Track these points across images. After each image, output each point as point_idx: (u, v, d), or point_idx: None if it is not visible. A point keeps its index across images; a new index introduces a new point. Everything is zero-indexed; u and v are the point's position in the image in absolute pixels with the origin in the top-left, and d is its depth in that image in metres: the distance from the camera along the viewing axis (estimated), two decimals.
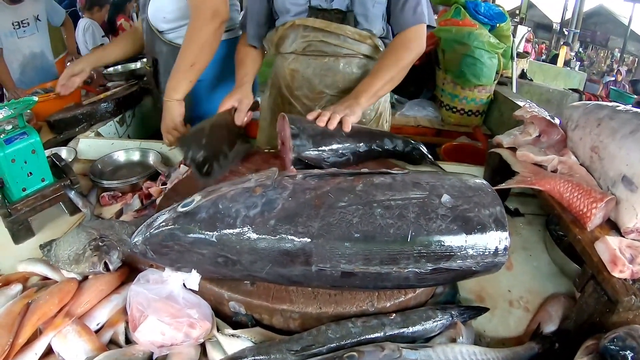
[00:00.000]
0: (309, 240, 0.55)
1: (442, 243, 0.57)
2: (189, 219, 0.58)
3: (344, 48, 1.25)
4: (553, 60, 7.27)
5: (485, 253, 0.60)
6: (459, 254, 0.58)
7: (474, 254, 0.59)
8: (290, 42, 1.29)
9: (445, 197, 0.59)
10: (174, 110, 1.24)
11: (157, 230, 0.60)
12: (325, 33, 1.22)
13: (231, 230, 0.56)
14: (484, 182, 0.69)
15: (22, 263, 0.82)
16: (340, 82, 1.29)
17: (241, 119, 1.14)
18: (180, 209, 0.59)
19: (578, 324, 0.74)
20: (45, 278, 0.79)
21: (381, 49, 1.28)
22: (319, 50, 1.26)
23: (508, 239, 0.62)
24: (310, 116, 0.99)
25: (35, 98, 0.91)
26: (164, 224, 0.60)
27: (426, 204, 0.58)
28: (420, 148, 1.14)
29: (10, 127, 0.90)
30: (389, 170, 0.63)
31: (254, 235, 0.55)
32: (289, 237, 0.55)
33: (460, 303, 0.80)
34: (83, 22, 3.42)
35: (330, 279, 0.57)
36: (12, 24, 2.51)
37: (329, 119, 0.98)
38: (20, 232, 0.92)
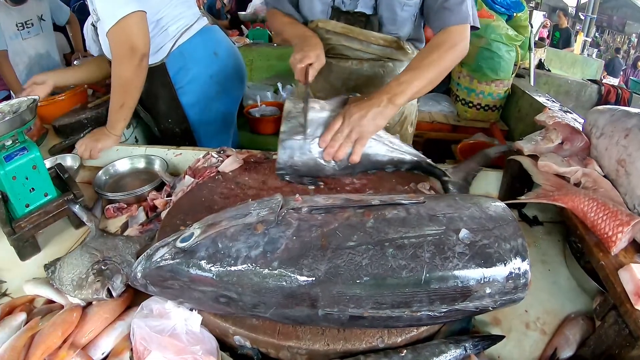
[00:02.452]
0: (315, 284, 0.51)
1: (459, 284, 0.53)
2: (187, 257, 0.55)
3: (368, 52, 1.19)
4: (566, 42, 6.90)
5: (504, 291, 0.57)
6: (475, 294, 0.55)
7: (492, 292, 0.56)
8: None
9: (464, 233, 0.55)
10: (109, 142, 1.28)
11: (156, 265, 0.58)
12: (348, 38, 1.16)
13: (232, 272, 0.53)
14: (505, 207, 0.64)
15: (28, 284, 0.81)
16: (363, 86, 1.24)
17: (313, 75, 1.04)
18: (179, 244, 0.56)
19: (596, 354, 0.71)
20: (51, 300, 0.78)
21: (409, 52, 1.22)
22: (342, 53, 1.21)
23: (529, 273, 0.58)
24: (322, 143, 0.88)
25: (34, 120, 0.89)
26: (163, 258, 0.57)
27: (442, 242, 0.54)
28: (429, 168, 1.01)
29: (10, 142, 0.88)
30: (403, 201, 0.59)
31: (255, 278, 0.52)
32: (293, 280, 0.52)
33: (476, 327, 0.77)
34: (91, 19, 3.35)
35: (337, 322, 0.54)
36: (17, 25, 2.47)
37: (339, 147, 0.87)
38: (25, 249, 0.92)
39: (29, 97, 0.92)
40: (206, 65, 1.42)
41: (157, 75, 1.35)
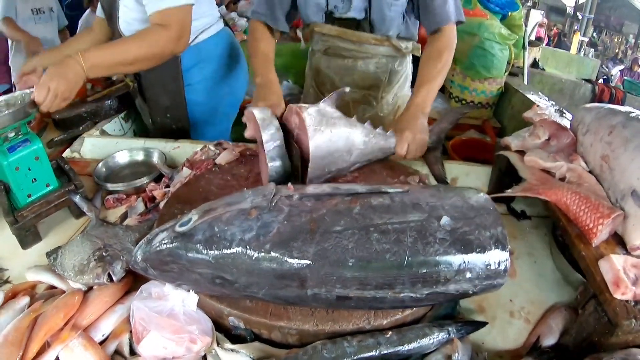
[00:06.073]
0: (304, 265, 0.55)
1: (439, 268, 0.57)
2: (186, 240, 0.58)
3: (361, 51, 1.30)
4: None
5: (484, 276, 0.60)
6: (456, 277, 0.58)
7: (472, 277, 0.59)
8: (315, 42, 1.38)
9: (445, 220, 0.58)
10: (78, 79, 1.04)
11: (156, 249, 0.61)
12: (342, 39, 1.27)
13: (227, 254, 0.56)
14: (487, 198, 0.68)
15: (30, 271, 0.84)
16: (359, 80, 1.35)
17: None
18: (177, 229, 0.60)
19: (577, 341, 0.73)
20: (52, 286, 0.81)
21: (401, 48, 1.31)
22: (338, 53, 1.32)
23: (508, 261, 0.61)
24: None
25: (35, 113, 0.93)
26: (162, 242, 0.60)
27: (424, 228, 0.57)
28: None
29: (13, 134, 0.91)
30: (388, 190, 0.62)
31: (249, 260, 0.55)
32: (284, 262, 0.55)
33: (461, 314, 0.80)
34: (82, 17, 3.51)
35: (325, 301, 0.57)
36: (32, 10, 2.86)
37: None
38: (27, 237, 0.94)
39: (31, 89, 0.94)
40: (220, 66, 1.45)
41: (168, 67, 1.33)
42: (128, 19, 1.28)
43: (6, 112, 0.85)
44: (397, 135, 1.00)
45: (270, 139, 0.87)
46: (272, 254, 0.55)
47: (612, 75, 7.41)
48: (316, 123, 0.86)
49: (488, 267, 0.59)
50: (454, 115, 1.13)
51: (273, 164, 0.87)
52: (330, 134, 0.87)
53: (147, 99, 1.45)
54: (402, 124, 1.04)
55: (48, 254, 0.85)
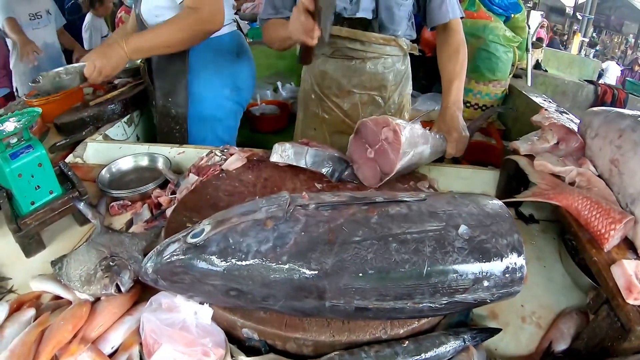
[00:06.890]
0: (322, 277, 0.54)
1: (458, 277, 0.56)
2: (199, 252, 0.57)
3: (369, 52, 1.30)
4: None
5: (501, 284, 0.59)
6: (474, 286, 0.57)
7: (490, 285, 0.58)
8: (317, 45, 1.31)
9: (463, 228, 0.58)
10: (121, 62, 1.25)
11: (167, 260, 0.59)
12: (351, 40, 1.27)
13: (243, 266, 0.55)
14: (502, 205, 0.67)
15: (35, 280, 0.82)
16: (367, 82, 1.35)
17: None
18: (190, 240, 0.58)
19: (589, 346, 0.73)
20: (58, 297, 0.79)
21: (405, 46, 1.33)
22: (346, 54, 1.31)
23: (524, 268, 0.61)
24: None
25: (39, 109, 0.92)
26: (173, 254, 0.59)
27: (443, 237, 0.56)
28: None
29: (15, 140, 0.89)
30: (405, 199, 0.61)
31: (265, 271, 0.54)
32: (302, 273, 0.54)
33: (473, 321, 0.79)
34: (85, 21, 3.55)
35: (343, 313, 0.57)
36: (29, 16, 2.81)
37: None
38: (30, 245, 0.93)
39: (83, 63, 1.15)
40: (229, 64, 1.50)
41: (175, 53, 1.36)
42: (150, 6, 1.35)
43: (66, 77, 1.05)
44: (447, 136, 1.09)
45: (310, 163, 0.99)
46: (290, 265, 0.54)
47: (602, 69, 7.42)
48: (406, 146, 0.91)
49: (505, 275, 0.59)
50: (487, 114, 1.24)
51: (327, 169, 0.98)
52: (412, 154, 0.94)
53: (153, 80, 1.49)
54: (447, 124, 1.12)
55: (53, 263, 0.83)
